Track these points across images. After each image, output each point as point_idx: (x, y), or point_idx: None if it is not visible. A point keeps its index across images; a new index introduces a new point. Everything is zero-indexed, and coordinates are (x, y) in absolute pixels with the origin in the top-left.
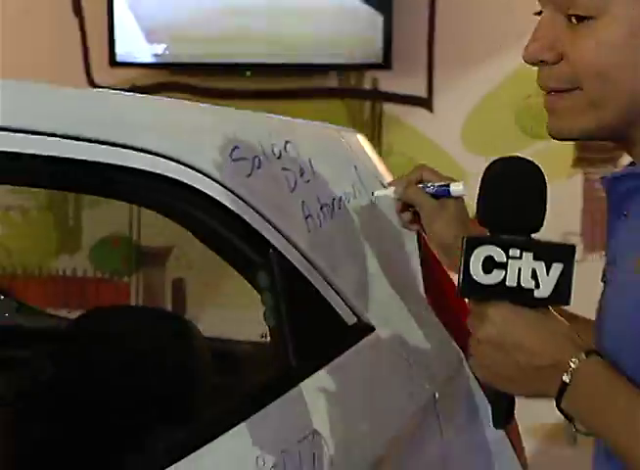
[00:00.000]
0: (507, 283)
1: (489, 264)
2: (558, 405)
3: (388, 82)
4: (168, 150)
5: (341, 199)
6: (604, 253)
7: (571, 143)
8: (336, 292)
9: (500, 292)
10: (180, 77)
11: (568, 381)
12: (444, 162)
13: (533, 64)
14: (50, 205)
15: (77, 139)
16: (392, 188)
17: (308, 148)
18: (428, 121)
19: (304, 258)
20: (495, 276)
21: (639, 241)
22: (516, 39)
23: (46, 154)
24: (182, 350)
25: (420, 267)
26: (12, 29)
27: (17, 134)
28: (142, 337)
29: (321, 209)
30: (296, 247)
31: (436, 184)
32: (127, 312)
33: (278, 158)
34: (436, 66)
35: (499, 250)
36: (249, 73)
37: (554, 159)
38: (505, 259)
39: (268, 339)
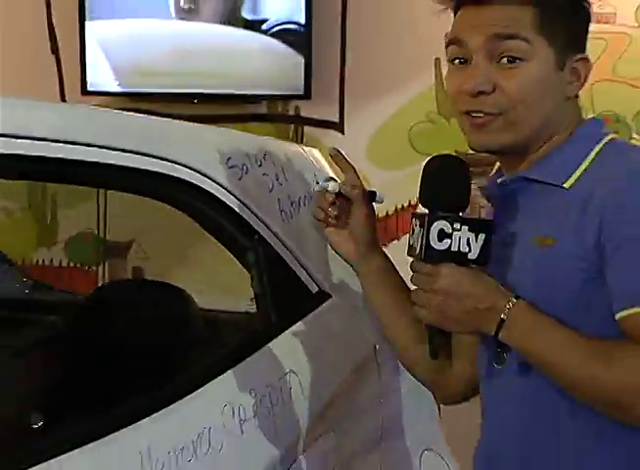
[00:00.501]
0: (452, 249)
1: (441, 235)
2: (496, 337)
3: (307, 110)
4: (183, 159)
5: (305, 197)
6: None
7: None
8: (303, 267)
9: (448, 255)
10: (140, 104)
11: (504, 318)
12: None
13: (474, 95)
14: (30, 205)
15: (123, 151)
16: (332, 183)
17: (281, 159)
18: (339, 141)
19: (279, 241)
20: (444, 244)
21: (530, 225)
22: (409, 77)
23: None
24: (182, 312)
25: None
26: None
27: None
28: (148, 303)
29: (291, 205)
30: (273, 233)
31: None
32: (136, 285)
33: (259, 166)
34: (346, 97)
35: (447, 224)
36: (196, 101)
37: None
38: (451, 231)
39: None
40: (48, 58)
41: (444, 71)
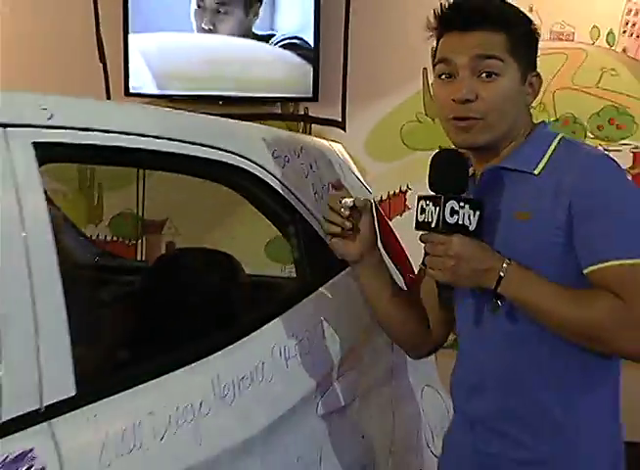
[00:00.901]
0: (459, 222)
1: (452, 212)
2: (495, 290)
3: (315, 110)
4: (242, 150)
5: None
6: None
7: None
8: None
9: (456, 228)
10: (175, 105)
11: (502, 275)
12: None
13: (462, 102)
14: (80, 188)
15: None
16: (349, 199)
17: (314, 152)
18: (342, 137)
19: (313, 217)
20: (454, 219)
21: (509, 205)
22: (401, 84)
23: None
24: (235, 274)
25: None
26: (54, 69)
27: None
28: (209, 266)
29: (322, 188)
30: (308, 210)
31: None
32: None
33: (298, 157)
34: (348, 99)
35: (456, 203)
36: (221, 103)
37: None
38: (458, 209)
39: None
40: (96, 65)
41: (430, 80)
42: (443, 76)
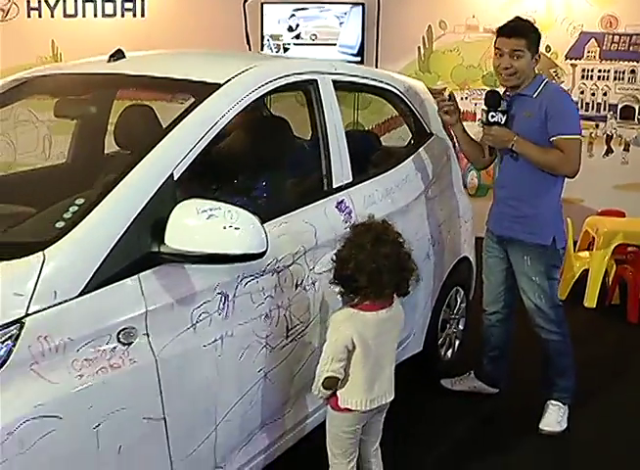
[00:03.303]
0: (495, 120)
1: (492, 116)
2: (511, 148)
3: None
4: (392, 84)
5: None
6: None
7: None
8: (425, 123)
9: (496, 122)
10: None
11: (514, 141)
12: None
13: (504, 69)
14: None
15: (371, 80)
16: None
17: (417, 84)
18: None
19: (419, 113)
20: (494, 119)
21: (522, 110)
22: (406, 54)
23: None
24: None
25: None
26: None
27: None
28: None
29: (421, 101)
30: (417, 111)
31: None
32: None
33: (407, 91)
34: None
35: (494, 112)
36: None
37: None
38: (495, 114)
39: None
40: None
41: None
42: (498, 54)
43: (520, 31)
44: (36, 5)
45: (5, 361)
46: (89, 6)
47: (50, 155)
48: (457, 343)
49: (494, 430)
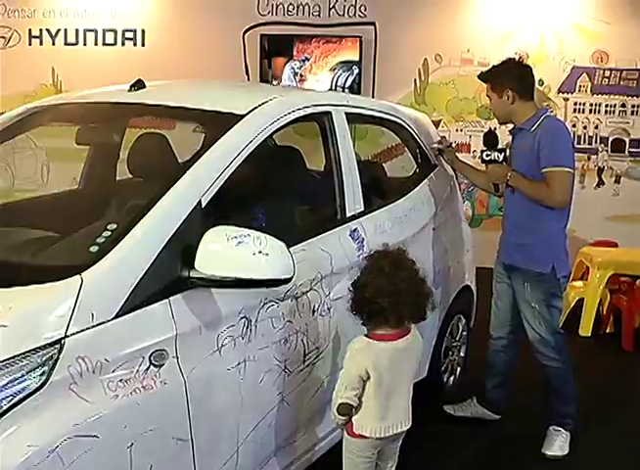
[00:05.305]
0: (494, 159)
1: (488, 155)
2: (507, 184)
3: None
4: (400, 117)
5: (429, 132)
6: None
7: None
8: (428, 154)
9: (493, 160)
10: None
11: (509, 177)
12: None
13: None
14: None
15: (381, 112)
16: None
17: (421, 117)
18: None
19: (424, 145)
20: (492, 157)
21: (522, 143)
22: (402, 86)
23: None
24: (384, 173)
25: None
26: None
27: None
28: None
29: (425, 133)
30: (423, 143)
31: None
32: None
33: (413, 123)
34: (376, 91)
35: (492, 151)
36: None
37: None
38: (491, 153)
39: None
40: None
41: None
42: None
43: (483, 77)
44: (38, 33)
45: (46, 381)
46: (90, 34)
47: (47, 180)
48: (459, 370)
49: (498, 455)
